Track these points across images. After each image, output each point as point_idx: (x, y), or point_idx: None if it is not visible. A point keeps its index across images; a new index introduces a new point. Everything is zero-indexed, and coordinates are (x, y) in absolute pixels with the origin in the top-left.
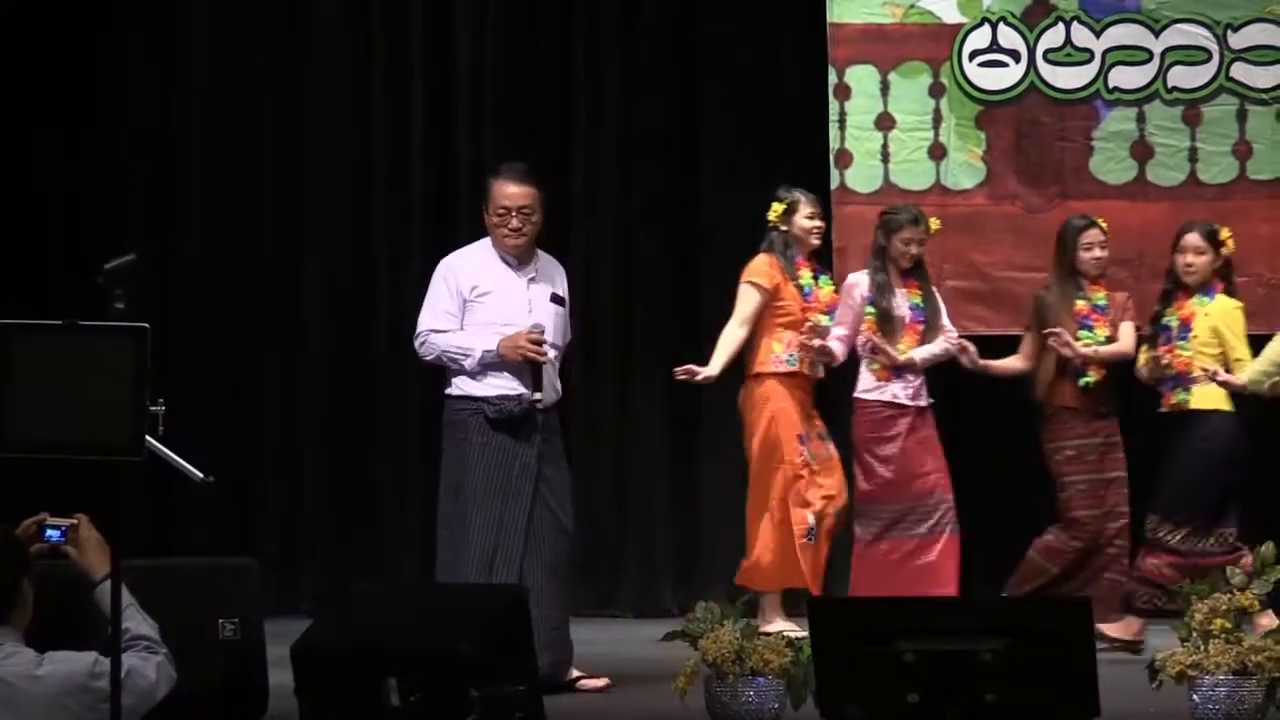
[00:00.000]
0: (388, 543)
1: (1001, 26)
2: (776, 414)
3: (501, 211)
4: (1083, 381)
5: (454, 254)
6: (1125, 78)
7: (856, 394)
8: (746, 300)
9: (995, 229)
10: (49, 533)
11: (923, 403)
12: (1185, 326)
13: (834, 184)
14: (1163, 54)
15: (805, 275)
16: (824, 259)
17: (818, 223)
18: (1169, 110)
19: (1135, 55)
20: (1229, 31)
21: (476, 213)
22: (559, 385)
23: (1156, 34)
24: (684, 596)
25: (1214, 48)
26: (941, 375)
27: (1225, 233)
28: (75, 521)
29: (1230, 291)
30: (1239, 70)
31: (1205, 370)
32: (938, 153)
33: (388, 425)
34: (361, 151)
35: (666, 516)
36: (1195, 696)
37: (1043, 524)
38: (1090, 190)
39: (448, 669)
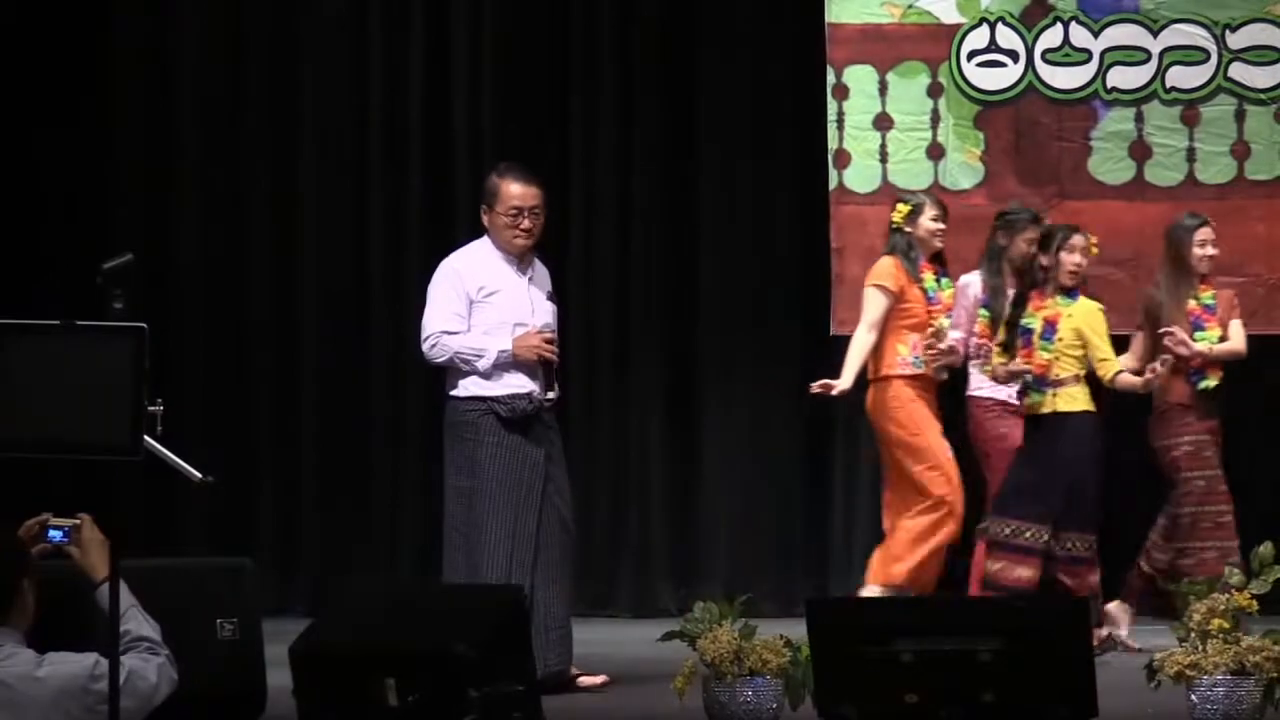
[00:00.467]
0: (385, 543)
1: (1000, 27)
2: (912, 413)
3: (513, 212)
4: (1202, 385)
5: (456, 254)
6: (1123, 78)
7: (970, 393)
8: (874, 304)
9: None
10: (52, 533)
11: None
12: (1051, 328)
13: (832, 184)
14: (1161, 54)
15: (929, 278)
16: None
17: (941, 225)
18: (1167, 110)
19: (1133, 55)
20: (1227, 32)
21: (473, 212)
22: (557, 385)
23: (1155, 34)
24: (682, 596)
25: (1212, 48)
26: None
27: (1094, 239)
28: (78, 522)
29: (1087, 293)
30: (1237, 70)
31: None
32: (936, 153)
33: (385, 425)
34: (358, 151)
35: (664, 516)
36: (1193, 696)
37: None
38: (1088, 190)
39: (446, 669)
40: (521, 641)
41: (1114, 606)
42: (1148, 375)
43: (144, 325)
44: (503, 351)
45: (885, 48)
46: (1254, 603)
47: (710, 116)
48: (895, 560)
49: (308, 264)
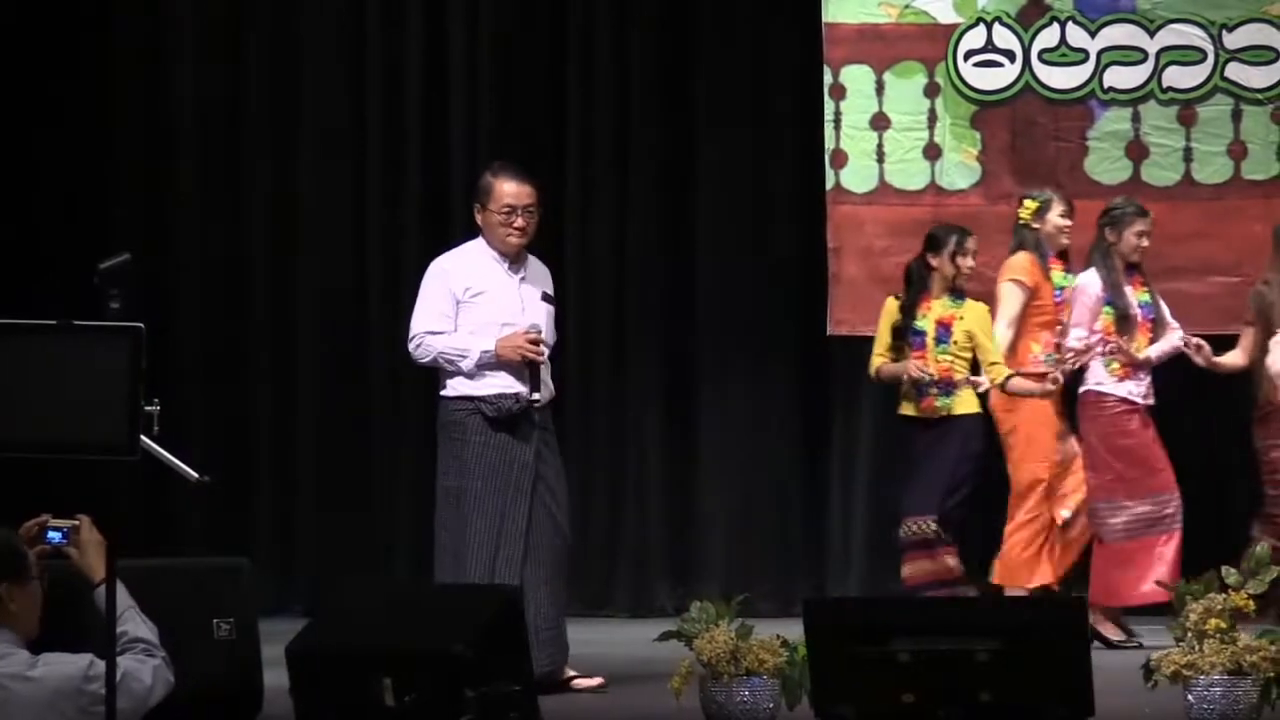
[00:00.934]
0: (382, 543)
1: (997, 26)
2: (1037, 411)
3: (506, 210)
4: None
5: (445, 255)
6: (1120, 78)
7: (1088, 389)
8: (1012, 299)
9: (990, 229)
10: (51, 534)
11: (1151, 401)
12: (945, 330)
13: (829, 184)
14: (1158, 54)
15: (1058, 274)
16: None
17: (1068, 221)
18: (1164, 110)
19: (1130, 55)
20: (1224, 32)
21: (469, 211)
22: (552, 385)
23: (1151, 34)
24: (679, 596)
25: (1209, 48)
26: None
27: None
28: (77, 523)
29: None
30: (1234, 70)
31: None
32: (933, 153)
33: (382, 425)
34: (355, 150)
35: (661, 516)
36: (1190, 696)
37: None
38: (1085, 190)
39: (442, 669)
40: (518, 642)
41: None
42: (1048, 381)
43: (141, 325)
44: (485, 352)
45: (882, 47)
46: (1251, 603)
47: (707, 116)
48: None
49: (305, 264)
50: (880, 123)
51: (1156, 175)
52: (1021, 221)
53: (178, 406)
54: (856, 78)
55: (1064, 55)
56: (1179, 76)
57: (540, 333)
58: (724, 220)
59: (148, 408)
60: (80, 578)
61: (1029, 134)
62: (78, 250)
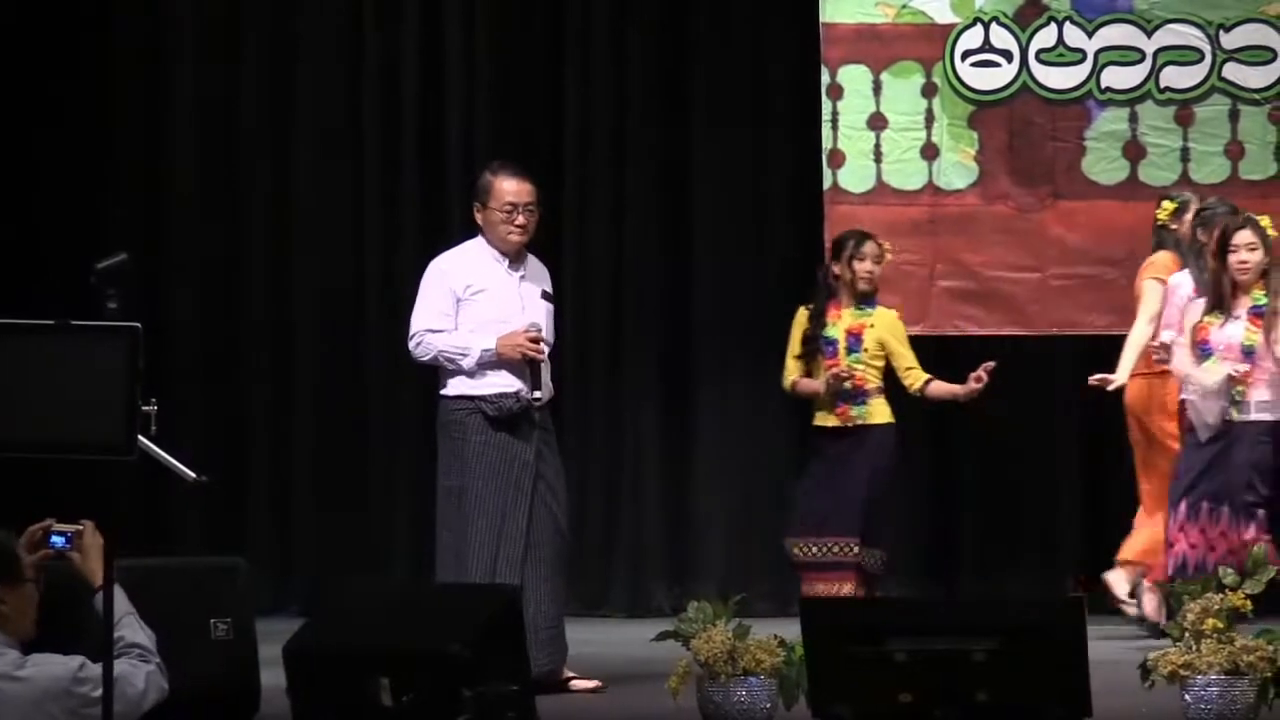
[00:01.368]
0: (379, 542)
1: (994, 26)
2: (1179, 409)
3: (508, 208)
4: None
5: (445, 254)
6: (1117, 78)
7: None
8: (1153, 297)
9: (987, 229)
10: (54, 539)
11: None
12: (855, 339)
13: (826, 184)
14: (1155, 54)
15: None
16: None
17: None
18: (1161, 110)
19: (1127, 55)
20: (1221, 32)
21: (467, 211)
22: (551, 384)
23: (1149, 34)
24: (676, 596)
25: (1206, 48)
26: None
27: (887, 245)
28: (80, 528)
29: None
30: (1231, 70)
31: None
32: (930, 153)
33: (379, 425)
34: (352, 149)
35: (659, 516)
36: (1187, 696)
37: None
38: (1082, 190)
39: (440, 669)
40: (516, 641)
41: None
42: (970, 384)
43: (138, 325)
44: (486, 350)
45: (879, 47)
46: (1248, 603)
47: (705, 115)
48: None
49: (302, 263)
50: (878, 123)
51: (1154, 175)
52: (1160, 222)
53: (175, 406)
54: (854, 78)
55: (1061, 55)
56: (1176, 76)
57: (540, 331)
58: (721, 220)
59: (145, 408)
60: (82, 581)
61: (1026, 134)
62: (75, 250)
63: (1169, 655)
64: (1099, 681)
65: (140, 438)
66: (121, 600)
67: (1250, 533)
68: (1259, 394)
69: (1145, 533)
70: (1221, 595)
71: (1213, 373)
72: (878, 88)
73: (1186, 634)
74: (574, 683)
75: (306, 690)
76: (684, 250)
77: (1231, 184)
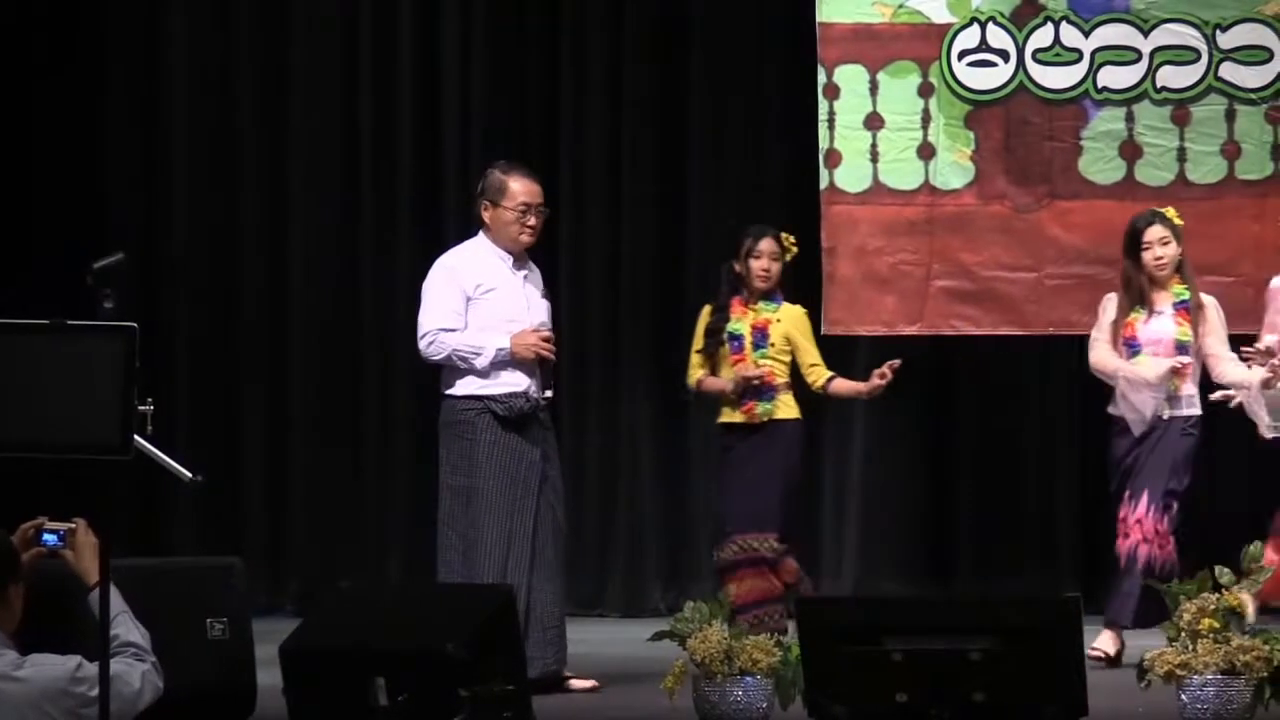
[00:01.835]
0: (375, 542)
1: (990, 26)
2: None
3: (522, 208)
4: None
5: (451, 252)
6: (1114, 77)
7: None
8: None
9: (984, 229)
10: (47, 537)
11: None
12: (761, 334)
13: (823, 184)
14: (1151, 54)
15: None
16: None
17: None
18: (1158, 110)
19: (1124, 55)
20: (1218, 31)
21: (462, 210)
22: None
23: (1145, 34)
24: (672, 596)
25: (1203, 48)
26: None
27: (790, 239)
28: (73, 526)
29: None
30: (1227, 70)
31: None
32: (927, 152)
33: (375, 424)
34: (347, 149)
35: (655, 516)
36: (1183, 696)
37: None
38: (1079, 190)
39: (436, 669)
40: (512, 641)
41: None
42: (874, 381)
43: (134, 325)
44: (500, 349)
45: (876, 47)
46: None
47: (701, 115)
48: None
49: (298, 264)
50: (874, 122)
51: (1150, 175)
52: None
53: (171, 406)
54: (850, 77)
55: (1058, 55)
56: (1173, 76)
57: (550, 330)
58: (718, 219)
59: (141, 407)
60: (75, 580)
61: (1023, 134)
62: (71, 250)
63: (1165, 655)
64: (1095, 681)
65: (136, 437)
66: (116, 599)
67: (1164, 524)
68: (1187, 389)
69: None
70: (1218, 595)
71: (1151, 366)
72: (874, 87)
73: (1183, 634)
74: (571, 682)
75: (302, 690)
76: (680, 250)
77: (1228, 184)
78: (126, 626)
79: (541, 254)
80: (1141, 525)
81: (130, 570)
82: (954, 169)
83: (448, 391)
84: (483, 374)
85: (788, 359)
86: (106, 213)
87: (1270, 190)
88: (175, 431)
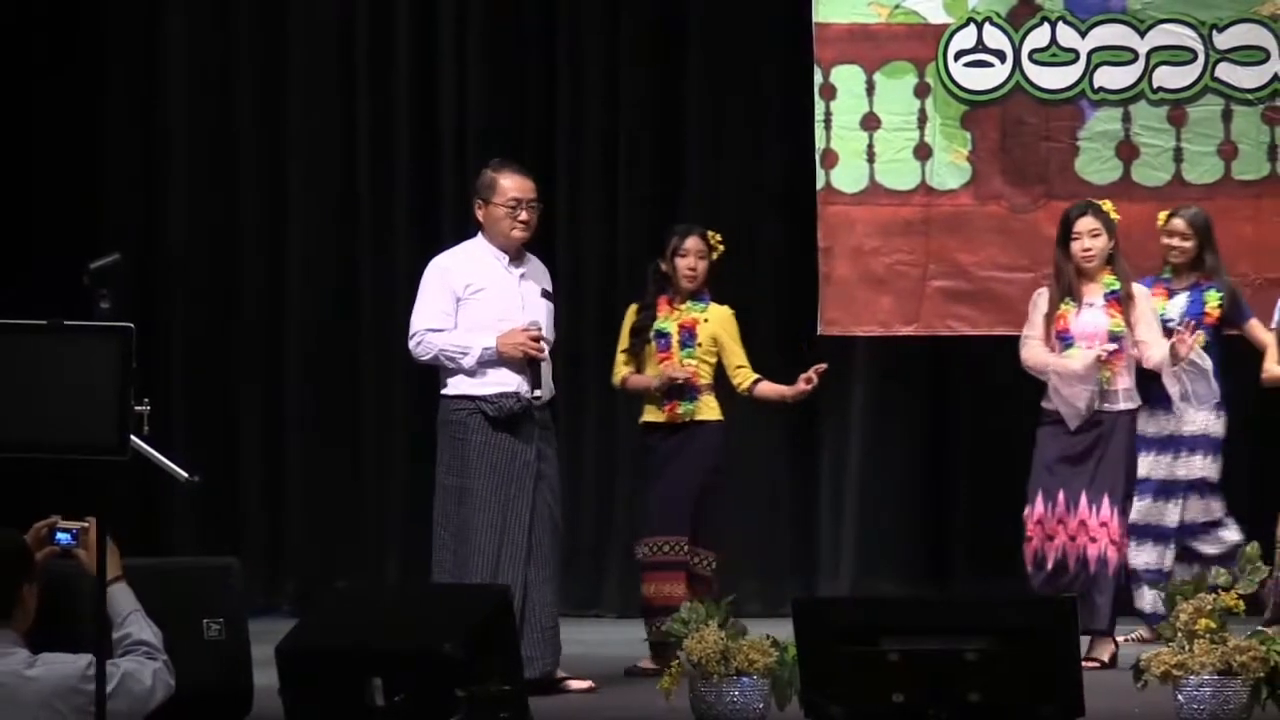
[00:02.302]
0: (372, 542)
1: (987, 27)
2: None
3: (513, 204)
4: None
5: (445, 253)
6: (1110, 78)
7: None
8: None
9: (981, 229)
10: (60, 536)
11: None
12: (689, 334)
13: (819, 184)
14: (1148, 54)
15: None
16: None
17: None
18: (1154, 110)
19: (1120, 55)
20: (1214, 32)
21: (460, 211)
22: (552, 383)
23: (1142, 34)
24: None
25: (1199, 48)
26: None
27: (717, 237)
28: (86, 525)
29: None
30: (1224, 70)
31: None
32: (923, 153)
33: (372, 424)
34: (345, 150)
35: None
36: (1180, 696)
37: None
38: (1076, 190)
39: (432, 669)
40: (508, 641)
41: None
42: (800, 385)
43: (131, 325)
44: (486, 348)
45: (872, 48)
46: (1241, 603)
47: (698, 115)
48: None
49: (295, 263)
50: (871, 123)
51: (1147, 175)
52: None
53: (168, 406)
54: (847, 78)
55: (1054, 55)
56: (1169, 77)
57: (540, 329)
58: (714, 220)
59: (138, 408)
60: (87, 579)
61: (1019, 134)
62: (68, 250)
63: (1162, 655)
64: (1091, 682)
65: (133, 438)
66: (128, 597)
67: (1124, 524)
68: (1123, 382)
69: None
70: (1214, 595)
71: (1079, 356)
72: (871, 88)
73: (1179, 634)
74: (567, 683)
75: (299, 690)
76: None
77: (1224, 184)
78: (139, 625)
79: (539, 254)
80: (1107, 528)
81: (127, 570)
82: (950, 169)
83: (443, 391)
84: (473, 374)
85: (713, 360)
86: (105, 212)
87: (1266, 190)
88: (173, 431)
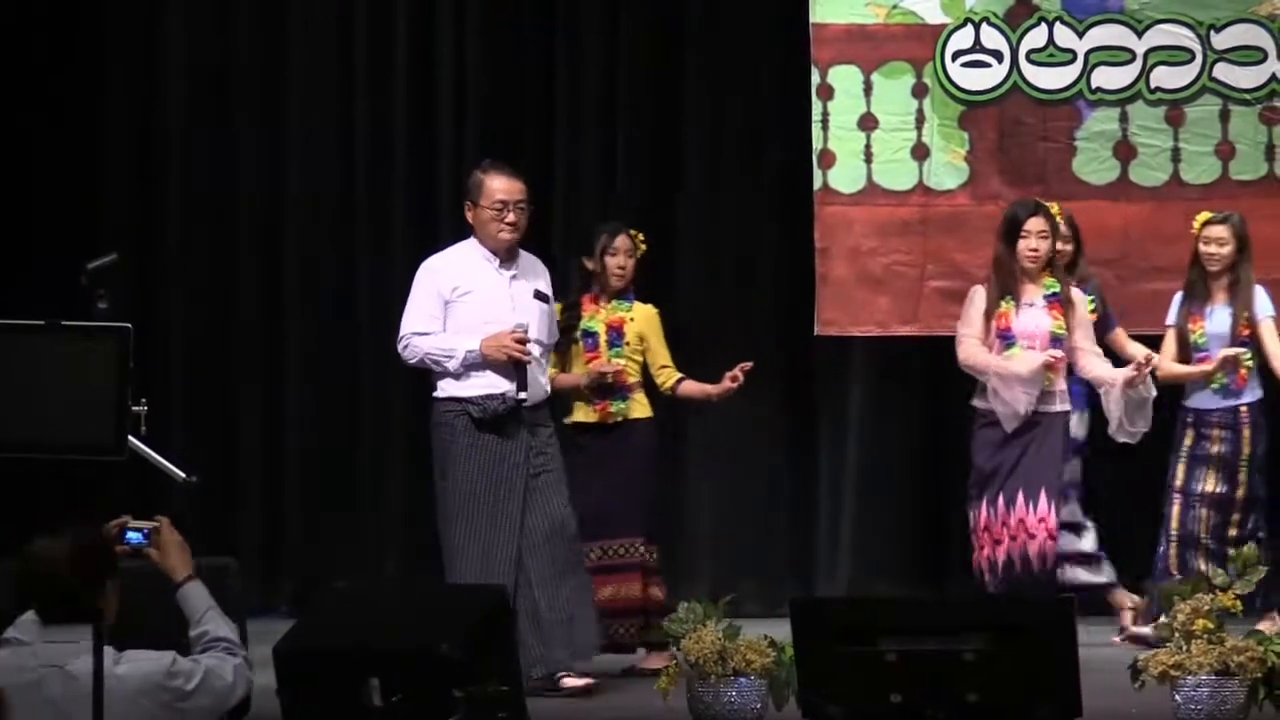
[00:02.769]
0: (370, 542)
1: (984, 27)
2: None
3: (498, 206)
4: None
5: (435, 256)
6: (1108, 78)
7: None
8: None
9: (978, 229)
10: (131, 535)
11: None
12: (616, 333)
13: (817, 184)
14: (1145, 54)
15: None
16: (804, 258)
17: None
18: (1152, 110)
19: (1118, 56)
20: (1212, 32)
21: (457, 211)
22: (546, 383)
23: (1139, 34)
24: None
25: (1197, 48)
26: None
27: (640, 236)
28: (157, 524)
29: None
30: (1221, 71)
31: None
32: (921, 153)
33: (370, 425)
34: (344, 151)
35: None
36: (1178, 697)
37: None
38: (1073, 190)
39: (431, 669)
40: (507, 642)
41: None
42: (725, 384)
43: (128, 325)
44: (470, 351)
45: (870, 48)
46: (1238, 603)
47: (695, 115)
48: None
49: (293, 264)
50: (868, 123)
51: (1144, 175)
52: None
53: (165, 407)
54: (844, 78)
55: (1052, 55)
56: (1167, 77)
57: (526, 331)
58: (711, 220)
59: (135, 408)
60: (159, 579)
61: (1017, 134)
62: (66, 250)
63: (1159, 656)
64: (1089, 682)
65: (130, 438)
66: (203, 595)
67: (1052, 518)
68: (1060, 384)
69: None
70: (1212, 596)
71: (1024, 360)
72: (868, 88)
73: (1177, 634)
74: (565, 681)
75: (297, 691)
76: (674, 251)
77: (1222, 184)
78: (215, 622)
79: (536, 255)
80: (1045, 524)
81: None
82: (948, 169)
83: (433, 394)
84: (460, 377)
85: (641, 358)
86: (104, 212)
87: (1264, 190)
88: (171, 432)
